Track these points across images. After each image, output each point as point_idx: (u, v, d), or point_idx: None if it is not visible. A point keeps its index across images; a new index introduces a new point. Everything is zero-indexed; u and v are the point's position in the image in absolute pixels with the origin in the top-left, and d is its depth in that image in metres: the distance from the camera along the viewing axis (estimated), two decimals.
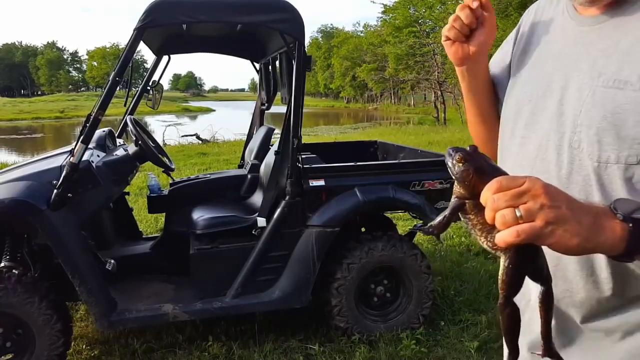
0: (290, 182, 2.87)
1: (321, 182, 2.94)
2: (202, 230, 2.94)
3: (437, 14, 25.53)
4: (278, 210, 2.89)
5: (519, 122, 0.96)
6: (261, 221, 2.91)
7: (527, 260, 0.69)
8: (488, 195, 0.66)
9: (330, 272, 3.00)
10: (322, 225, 2.90)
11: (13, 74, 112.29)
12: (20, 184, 2.60)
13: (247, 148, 4.18)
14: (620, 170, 0.79)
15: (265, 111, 4.25)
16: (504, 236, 0.65)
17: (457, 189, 0.72)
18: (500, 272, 0.70)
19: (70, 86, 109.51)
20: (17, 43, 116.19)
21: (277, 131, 3.48)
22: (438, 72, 25.74)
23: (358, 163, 3.18)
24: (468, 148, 0.72)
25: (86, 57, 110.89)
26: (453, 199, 0.73)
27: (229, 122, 20.20)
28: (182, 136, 16.26)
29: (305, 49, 2.86)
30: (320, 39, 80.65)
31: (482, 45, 1.05)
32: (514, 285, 0.70)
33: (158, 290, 3.09)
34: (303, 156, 2.99)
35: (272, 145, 3.62)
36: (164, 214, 3.92)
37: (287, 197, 2.88)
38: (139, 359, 2.90)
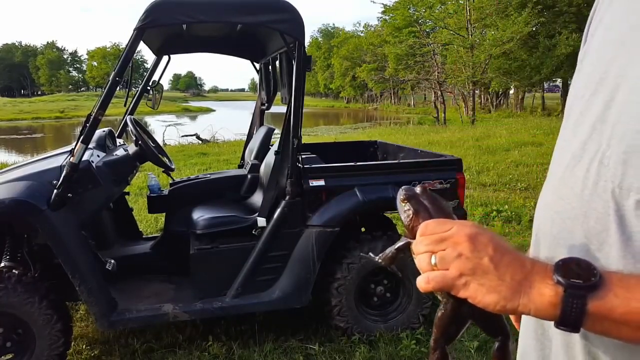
0: (290, 182, 2.87)
1: (321, 182, 2.94)
2: (202, 230, 2.94)
3: (437, 14, 25.54)
4: (278, 210, 2.89)
5: (568, 122, 0.78)
6: (261, 221, 2.91)
7: (463, 309, 0.66)
8: (416, 238, 0.65)
9: (330, 272, 3.00)
10: (322, 225, 2.90)
11: (13, 74, 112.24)
12: (21, 184, 2.60)
13: (247, 148, 4.18)
14: None
15: (265, 111, 4.25)
16: (418, 282, 0.63)
17: (404, 229, 0.72)
18: (436, 313, 0.69)
19: (70, 86, 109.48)
20: (17, 43, 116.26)
21: (277, 131, 3.49)
22: (438, 72, 25.72)
23: (358, 163, 3.18)
24: (418, 188, 0.71)
25: (86, 57, 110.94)
26: (402, 237, 0.73)
27: (229, 122, 20.21)
28: (182, 136, 16.27)
29: (305, 49, 2.86)
30: (320, 39, 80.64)
31: None
32: (444, 331, 0.68)
33: (158, 290, 3.09)
34: (303, 156, 2.99)
35: (272, 145, 3.62)
36: (164, 214, 3.92)
37: (287, 197, 2.88)
38: (139, 359, 2.91)
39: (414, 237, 0.68)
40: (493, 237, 0.63)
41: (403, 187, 0.72)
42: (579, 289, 0.58)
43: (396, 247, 0.73)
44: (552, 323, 0.61)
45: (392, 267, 0.78)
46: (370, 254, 0.80)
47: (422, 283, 0.62)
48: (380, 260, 0.75)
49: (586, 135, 0.70)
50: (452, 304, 0.66)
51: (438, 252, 0.62)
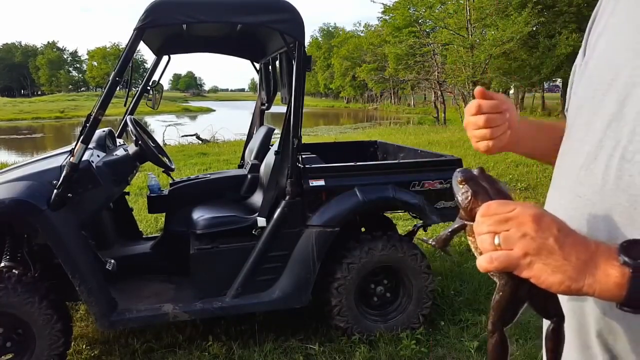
0: (290, 182, 2.87)
1: (321, 182, 2.94)
2: (202, 230, 2.94)
3: (437, 14, 25.51)
4: (278, 210, 2.89)
5: (578, 122, 0.82)
6: (261, 221, 2.91)
7: (521, 290, 0.66)
8: (477, 219, 0.65)
9: (330, 272, 3.00)
10: (322, 225, 2.90)
11: (13, 74, 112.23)
12: (21, 184, 2.60)
13: (247, 148, 4.18)
14: None
15: (265, 111, 4.25)
16: (480, 262, 0.63)
17: (460, 211, 0.72)
18: (493, 296, 0.68)
19: (70, 86, 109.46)
20: (17, 43, 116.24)
21: (277, 131, 3.48)
22: (438, 72, 25.72)
23: (358, 163, 3.18)
24: (475, 170, 0.71)
25: (86, 57, 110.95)
26: (457, 219, 0.73)
27: (229, 122, 20.20)
28: (182, 136, 16.26)
29: (305, 49, 2.86)
30: (320, 39, 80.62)
31: (509, 130, 0.93)
32: (503, 314, 0.68)
33: (158, 290, 3.09)
34: (303, 156, 2.99)
35: (272, 145, 3.62)
36: (164, 214, 3.92)
37: (287, 197, 2.88)
38: (139, 359, 2.91)
39: (471, 219, 0.68)
40: (556, 218, 0.63)
41: (459, 169, 0.72)
42: None
43: (451, 229, 0.73)
44: (595, 340, 0.64)
45: (446, 249, 0.81)
46: (424, 238, 0.82)
47: (485, 263, 0.62)
48: (434, 244, 0.77)
49: (601, 133, 0.72)
50: (511, 285, 0.65)
51: (502, 233, 0.61)
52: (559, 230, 0.61)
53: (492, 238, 0.62)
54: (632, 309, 0.59)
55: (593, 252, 0.60)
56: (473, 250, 0.71)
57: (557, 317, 0.68)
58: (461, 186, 0.70)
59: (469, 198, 0.69)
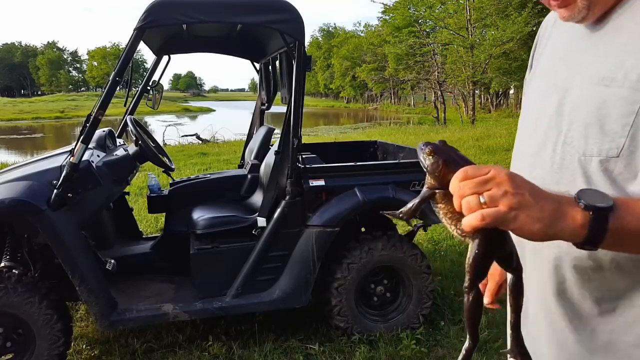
0: (290, 182, 2.87)
1: (321, 182, 2.94)
2: (202, 230, 2.94)
3: (437, 14, 25.52)
4: (278, 210, 2.89)
5: (528, 119, 1.01)
6: (261, 221, 2.91)
7: (495, 246, 0.72)
8: (455, 183, 0.70)
9: (330, 272, 3.00)
10: (322, 225, 2.90)
11: (13, 74, 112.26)
12: (21, 184, 2.60)
13: (247, 148, 4.18)
14: (603, 164, 0.82)
15: (265, 111, 4.25)
16: (470, 220, 0.68)
17: (428, 179, 0.76)
18: (468, 256, 0.73)
19: (71, 86, 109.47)
20: (17, 43, 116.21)
21: (277, 131, 3.49)
22: (438, 72, 25.74)
23: (358, 163, 3.18)
24: (437, 142, 0.76)
25: (86, 57, 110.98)
26: (424, 189, 0.77)
27: (229, 122, 20.19)
28: (182, 136, 16.27)
29: (305, 49, 2.86)
30: (320, 39, 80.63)
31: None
32: (480, 270, 0.73)
33: (158, 290, 3.09)
34: (303, 156, 2.99)
35: (272, 145, 3.62)
36: (164, 214, 3.92)
37: (287, 197, 2.88)
38: (139, 359, 2.91)
39: (443, 187, 0.73)
40: (522, 177, 0.72)
41: (424, 142, 0.76)
42: (602, 210, 0.70)
43: (420, 198, 0.76)
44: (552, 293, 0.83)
45: (409, 221, 0.88)
46: (389, 211, 0.83)
47: (476, 221, 0.68)
48: (401, 215, 0.79)
49: (546, 126, 0.92)
50: (485, 243, 0.71)
51: (484, 193, 0.68)
52: (531, 186, 0.71)
53: (477, 198, 0.68)
54: (592, 245, 0.72)
55: (559, 202, 0.71)
56: (441, 216, 0.76)
57: (518, 270, 0.76)
58: (431, 157, 0.74)
59: (441, 166, 0.73)
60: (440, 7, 25.88)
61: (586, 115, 0.84)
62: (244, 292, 2.89)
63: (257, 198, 3.33)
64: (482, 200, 0.68)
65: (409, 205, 0.78)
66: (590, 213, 0.70)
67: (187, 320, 2.94)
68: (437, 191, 0.75)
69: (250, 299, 2.89)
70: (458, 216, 0.73)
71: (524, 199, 0.68)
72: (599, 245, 0.72)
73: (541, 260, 0.93)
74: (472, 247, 0.73)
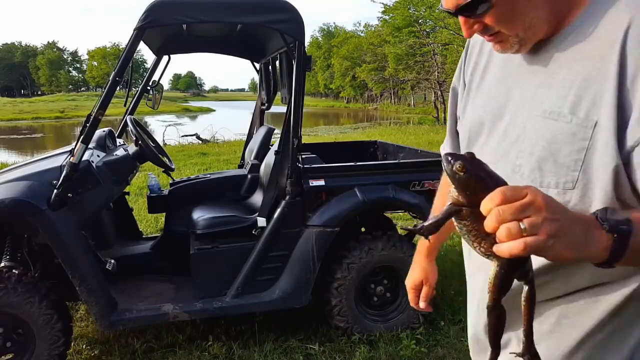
0: (290, 182, 2.87)
1: (321, 182, 2.94)
2: (202, 230, 2.94)
3: (437, 13, 25.52)
4: (278, 210, 2.89)
5: (476, 142, 1.03)
6: (261, 221, 2.91)
7: (518, 266, 0.72)
8: (491, 206, 0.66)
9: (330, 272, 3.00)
10: (322, 225, 2.90)
11: (13, 74, 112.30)
12: (21, 184, 2.60)
13: (247, 148, 4.18)
14: (559, 195, 0.84)
15: (265, 111, 4.25)
16: (511, 248, 0.66)
17: (455, 195, 0.72)
18: (492, 276, 0.73)
19: (70, 86, 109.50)
20: (17, 43, 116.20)
21: (277, 131, 3.48)
22: (438, 72, 25.75)
23: (358, 163, 3.18)
24: (466, 154, 0.72)
25: (86, 57, 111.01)
26: (448, 204, 0.73)
27: (229, 122, 20.18)
28: (182, 136, 16.26)
29: (305, 49, 2.86)
30: (320, 39, 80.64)
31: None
32: (504, 289, 0.73)
33: (158, 290, 3.09)
34: (303, 156, 2.99)
35: (272, 145, 3.62)
36: (164, 214, 3.92)
37: (287, 197, 2.88)
38: (139, 359, 2.91)
39: (473, 205, 0.69)
40: (554, 198, 0.72)
41: (450, 155, 0.72)
42: (626, 232, 0.71)
43: (443, 215, 0.73)
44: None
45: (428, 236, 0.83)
46: (411, 227, 0.79)
47: (518, 250, 0.65)
48: (422, 231, 0.75)
49: (493, 151, 0.95)
50: (509, 265, 0.70)
51: (525, 220, 0.65)
52: (564, 210, 0.70)
53: (518, 226, 0.65)
54: (609, 265, 0.72)
55: (587, 225, 0.71)
56: (464, 232, 0.73)
57: (532, 281, 0.75)
58: (462, 173, 0.69)
59: (473, 184, 0.69)
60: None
61: (540, 147, 0.86)
62: (244, 292, 2.89)
63: (257, 198, 3.34)
64: (522, 227, 0.65)
65: (431, 220, 0.74)
66: (615, 235, 0.70)
67: (187, 320, 2.94)
68: (464, 208, 0.71)
69: (250, 299, 2.89)
70: (484, 235, 0.70)
71: (561, 226, 0.67)
72: (615, 265, 0.72)
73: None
74: (496, 267, 0.72)
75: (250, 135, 4.29)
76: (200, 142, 15.41)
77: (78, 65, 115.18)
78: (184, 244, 3.05)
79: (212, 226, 2.94)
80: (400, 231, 3.32)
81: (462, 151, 1.04)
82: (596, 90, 0.82)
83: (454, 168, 0.70)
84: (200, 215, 3.04)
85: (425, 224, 0.75)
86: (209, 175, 3.93)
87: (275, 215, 2.89)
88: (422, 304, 1.34)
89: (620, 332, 0.90)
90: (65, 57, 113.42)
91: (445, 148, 1.30)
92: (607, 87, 0.80)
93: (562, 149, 0.83)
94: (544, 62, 0.90)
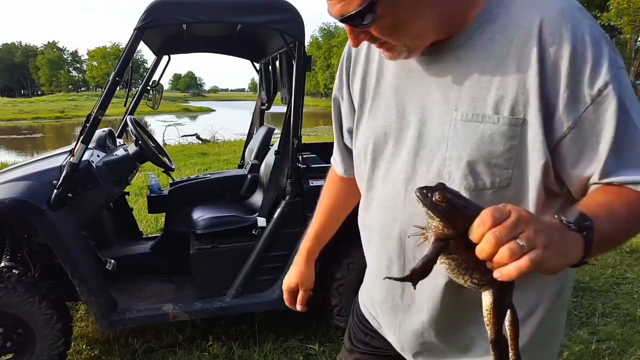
0: (290, 182, 2.87)
1: (321, 182, 2.92)
2: (202, 230, 2.94)
3: None
4: (278, 210, 2.89)
5: (383, 154, 0.98)
6: (261, 221, 2.91)
7: (509, 290, 0.69)
8: (484, 230, 0.62)
9: (330, 272, 3.00)
10: None
11: (13, 74, 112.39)
12: (21, 184, 2.60)
13: (247, 148, 4.18)
14: (495, 194, 0.85)
15: (265, 111, 4.25)
16: (518, 268, 0.62)
17: (438, 229, 0.67)
18: (488, 306, 0.69)
19: (70, 86, 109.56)
20: (17, 43, 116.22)
21: (277, 131, 3.48)
22: None
23: None
24: (437, 185, 0.68)
25: (86, 57, 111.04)
26: (433, 242, 0.68)
27: (229, 122, 20.18)
28: (182, 136, 16.25)
29: (305, 49, 2.86)
30: (320, 39, 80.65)
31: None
32: (502, 317, 0.70)
33: (158, 290, 3.09)
34: (303, 156, 2.99)
35: (272, 145, 3.62)
36: (164, 214, 3.92)
37: (287, 197, 2.88)
38: (139, 359, 2.91)
39: (460, 235, 0.65)
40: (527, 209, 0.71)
41: (423, 188, 0.68)
42: (591, 229, 0.70)
43: (433, 253, 0.67)
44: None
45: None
46: (399, 277, 0.75)
47: (526, 267, 0.61)
48: (412, 278, 0.69)
49: (409, 162, 0.92)
50: (502, 291, 0.68)
51: (520, 235, 0.62)
52: (540, 219, 0.68)
53: (518, 244, 0.62)
54: (580, 265, 0.70)
55: (559, 230, 0.68)
56: (454, 269, 0.69)
57: (513, 305, 0.72)
58: (444, 204, 0.65)
59: (456, 213, 0.65)
60: None
61: (468, 152, 0.85)
62: (244, 292, 2.89)
63: (257, 198, 3.33)
64: (520, 243, 0.62)
65: (420, 263, 0.68)
66: (584, 234, 0.69)
67: (187, 320, 2.94)
68: (451, 241, 0.67)
69: (250, 299, 2.89)
70: (475, 265, 0.66)
71: (547, 235, 0.64)
72: (583, 263, 0.70)
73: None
74: (488, 297, 0.68)
75: (250, 135, 4.29)
76: (200, 142, 15.40)
77: (78, 65, 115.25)
78: (184, 244, 3.05)
79: (212, 226, 2.94)
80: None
81: (367, 165, 1.01)
82: (518, 88, 0.81)
83: (434, 200, 0.66)
84: (200, 215, 3.04)
85: (414, 268, 0.68)
86: (209, 175, 3.93)
87: (276, 215, 2.89)
88: (298, 307, 1.34)
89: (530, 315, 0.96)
90: (65, 57, 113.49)
91: (336, 161, 1.31)
92: (529, 83, 0.80)
93: (493, 150, 0.83)
94: (448, 63, 0.87)
